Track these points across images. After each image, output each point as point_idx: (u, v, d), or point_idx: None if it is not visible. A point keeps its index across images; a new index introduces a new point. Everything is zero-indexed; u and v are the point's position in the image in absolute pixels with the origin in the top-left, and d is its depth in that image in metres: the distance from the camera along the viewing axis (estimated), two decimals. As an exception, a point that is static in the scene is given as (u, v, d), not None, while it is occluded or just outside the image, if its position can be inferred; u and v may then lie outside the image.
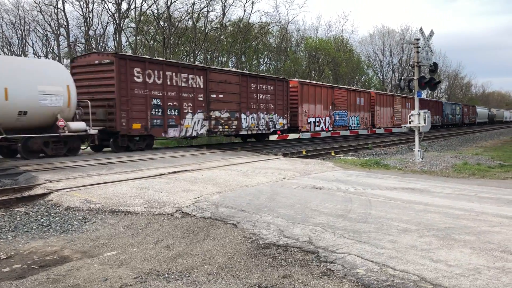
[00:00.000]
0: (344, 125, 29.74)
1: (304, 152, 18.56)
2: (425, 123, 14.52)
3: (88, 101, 14.98)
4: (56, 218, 6.66)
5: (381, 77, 72.69)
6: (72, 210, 7.14)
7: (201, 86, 18.93)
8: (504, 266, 4.31)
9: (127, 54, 22.93)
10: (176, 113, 17.85)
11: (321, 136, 27.30)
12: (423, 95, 55.59)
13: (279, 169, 11.70)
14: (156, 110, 16.97)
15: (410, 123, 14.90)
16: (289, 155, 17.09)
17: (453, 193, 8.30)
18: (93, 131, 14.62)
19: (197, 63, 39.00)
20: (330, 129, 28.09)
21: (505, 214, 6.50)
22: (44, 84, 13.18)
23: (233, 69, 26.10)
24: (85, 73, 16.30)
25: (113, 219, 6.52)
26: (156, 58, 21.97)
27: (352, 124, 30.87)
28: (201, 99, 18.92)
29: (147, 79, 16.54)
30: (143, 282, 4.11)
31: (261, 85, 22.73)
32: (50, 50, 41.66)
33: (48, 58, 39.84)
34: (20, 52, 41.51)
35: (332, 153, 18.76)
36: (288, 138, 24.59)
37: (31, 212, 7.06)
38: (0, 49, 39.77)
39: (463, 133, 41.28)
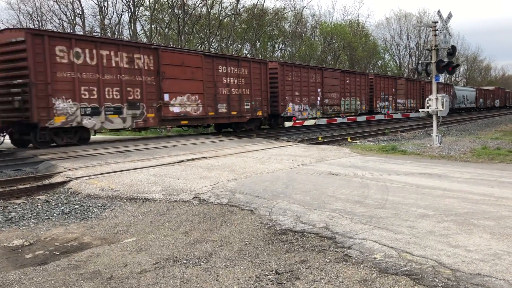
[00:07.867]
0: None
1: (320, 139, 18.47)
2: (443, 107, 14.28)
3: None
4: (76, 206, 6.78)
5: (398, 61, 71.65)
6: (91, 197, 7.26)
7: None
8: (524, 251, 4.25)
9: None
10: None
11: (337, 122, 27.12)
12: (441, 79, 54.97)
13: (295, 155, 11.68)
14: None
15: (427, 107, 14.68)
16: (304, 142, 17.04)
17: (472, 178, 8.18)
18: None
19: (212, 50, 38.96)
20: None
21: (526, 199, 6.39)
22: None
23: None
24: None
25: (132, 206, 6.61)
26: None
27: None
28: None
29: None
30: (162, 268, 4.17)
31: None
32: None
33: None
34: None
35: (349, 139, 18.62)
36: (304, 124, 24.49)
37: (51, 200, 7.21)
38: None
39: (482, 117, 40.57)
